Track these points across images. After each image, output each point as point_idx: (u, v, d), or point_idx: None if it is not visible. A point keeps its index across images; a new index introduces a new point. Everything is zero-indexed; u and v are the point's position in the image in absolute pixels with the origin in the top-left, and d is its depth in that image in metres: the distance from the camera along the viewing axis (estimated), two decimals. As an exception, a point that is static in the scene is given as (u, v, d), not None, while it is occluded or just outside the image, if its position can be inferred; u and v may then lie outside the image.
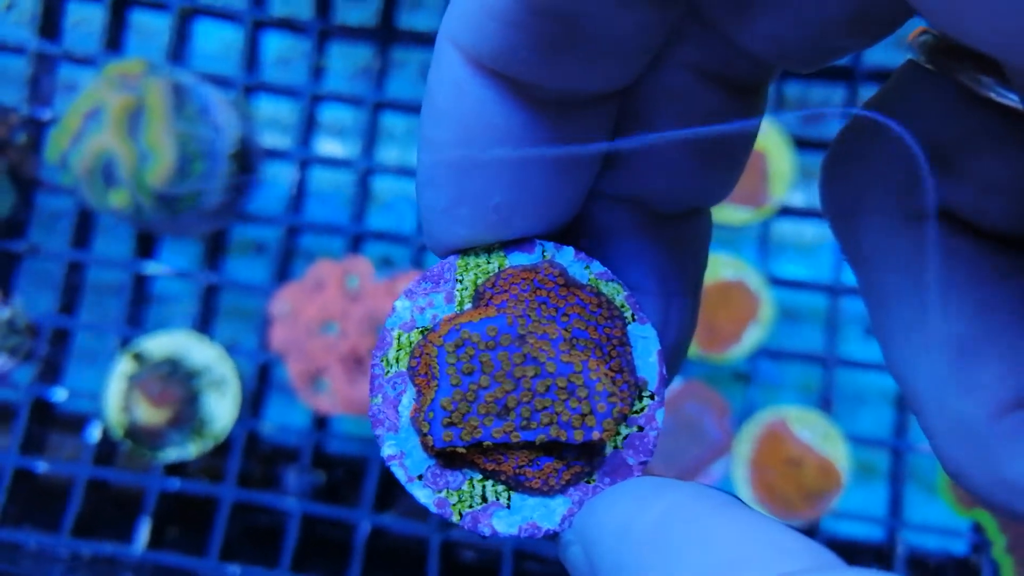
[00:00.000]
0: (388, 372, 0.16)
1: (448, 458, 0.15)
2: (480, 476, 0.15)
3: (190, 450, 0.56)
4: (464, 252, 0.16)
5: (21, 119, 0.59)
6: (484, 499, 0.15)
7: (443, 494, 0.15)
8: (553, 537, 0.15)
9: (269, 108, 0.65)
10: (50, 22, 0.62)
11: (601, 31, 0.14)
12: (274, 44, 0.66)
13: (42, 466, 0.57)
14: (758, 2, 0.15)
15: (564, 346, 0.15)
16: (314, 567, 0.57)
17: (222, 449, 0.57)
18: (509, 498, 0.15)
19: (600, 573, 0.13)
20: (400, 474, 0.15)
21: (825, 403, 0.57)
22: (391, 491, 0.60)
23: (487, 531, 0.15)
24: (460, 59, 0.15)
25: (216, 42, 0.67)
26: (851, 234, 0.16)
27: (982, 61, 0.15)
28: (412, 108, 0.62)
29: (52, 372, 0.59)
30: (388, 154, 0.67)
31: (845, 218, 0.16)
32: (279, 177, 0.62)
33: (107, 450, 0.58)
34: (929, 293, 0.15)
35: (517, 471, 0.15)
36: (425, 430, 0.15)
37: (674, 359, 0.18)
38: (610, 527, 0.13)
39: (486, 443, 0.15)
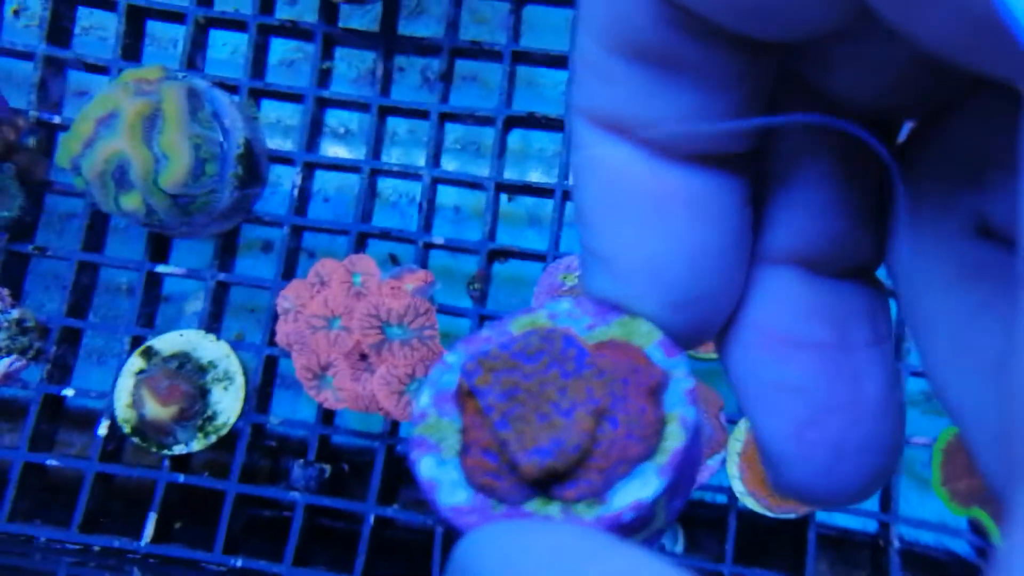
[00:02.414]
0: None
1: (459, 391, 0.16)
2: (459, 426, 0.16)
3: (196, 445, 0.57)
4: (635, 316, 0.17)
5: (31, 123, 0.60)
6: (439, 444, 0.16)
7: (429, 414, 0.16)
8: (435, 516, 0.15)
9: (273, 111, 0.66)
10: (59, 27, 0.63)
11: (694, 79, 0.14)
12: (278, 48, 0.67)
13: (52, 461, 0.58)
14: (834, 52, 0.15)
15: (589, 409, 0.15)
16: (320, 559, 0.58)
17: (228, 443, 0.58)
18: (449, 458, 0.16)
19: None
20: (427, 391, 0.16)
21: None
22: (396, 484, 0.61)
23: (413, 455, 0.16)
24: (581, 121, 0.16)
25: (224, 48, 0.69)
26: (893, 262, 0.16)
27: None
28: (415, 112, 0.63)
29: (62, 372, 0.60)
30: (391, 156, 0.68)
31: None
32: (284, 179, 0.64)
33: (115, 446, 0.60)
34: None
35: (472, 444, 0.15)
36: (466, 356, 0.16)
37: (896, 419, 0.17)
38: (494, 559, 0.13)
39: (478, 403, 0.15)
